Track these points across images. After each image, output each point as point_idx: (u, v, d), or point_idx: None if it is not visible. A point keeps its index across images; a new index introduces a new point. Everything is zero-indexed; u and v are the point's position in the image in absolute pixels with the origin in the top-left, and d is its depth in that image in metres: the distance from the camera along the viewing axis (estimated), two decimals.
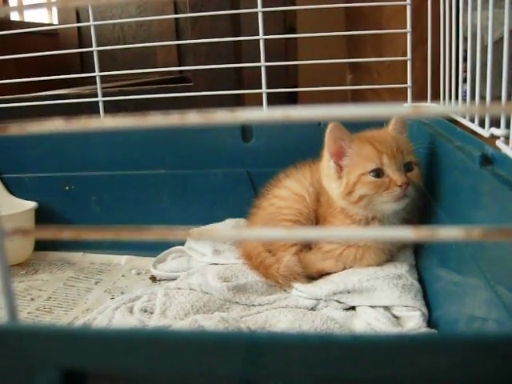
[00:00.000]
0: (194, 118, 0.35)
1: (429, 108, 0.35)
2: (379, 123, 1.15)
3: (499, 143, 0.85)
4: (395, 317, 1.00)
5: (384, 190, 1.05)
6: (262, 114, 0.34)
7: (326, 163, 1.12)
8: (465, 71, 1.09)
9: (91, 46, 1.43)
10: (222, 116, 0.35)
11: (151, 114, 0.36)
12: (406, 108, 0.34)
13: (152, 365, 0.37)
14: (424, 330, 0.93)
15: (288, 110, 0.34)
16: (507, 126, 0.83)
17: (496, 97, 0.90)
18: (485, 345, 0.35)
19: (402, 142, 1.09)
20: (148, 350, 0.38)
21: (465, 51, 1.12)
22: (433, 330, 0.93)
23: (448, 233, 0.33)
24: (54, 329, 0.38)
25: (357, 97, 2.50)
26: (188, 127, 1.31)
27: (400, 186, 1.04)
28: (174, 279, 1.23)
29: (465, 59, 1.13)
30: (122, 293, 1.24)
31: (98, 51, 1.44)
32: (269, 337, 0.39)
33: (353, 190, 1.08)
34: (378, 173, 1.06)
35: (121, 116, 0.36)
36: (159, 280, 1.29)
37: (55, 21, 3.32)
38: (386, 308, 1.01)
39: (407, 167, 1.07)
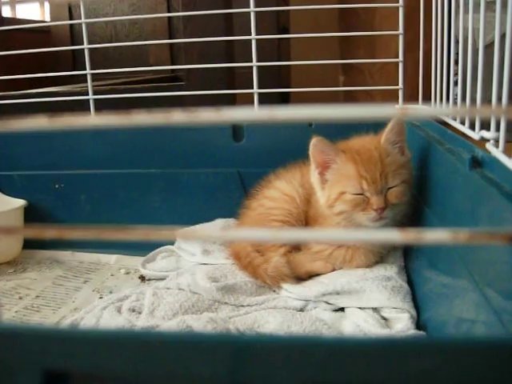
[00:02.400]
0: (178, 116, 0.35)
1: (416, 109, 0.35)
2: (376, 124, 1.14)
3: (489, 146, 0.85)
4: (384, 318, 1.00)
5: (361, 210, 1.06)
6: (247, 113, 0.34)
7: (313, 171, 1.13)
8: (456, 74, 1.09)
9: (83, 43, 1.43)
10: (207, 115, 0.34)
11: (136, 112, 0.36)
12: (394, 109, 0.34)
13: (136, 366, 0.37)
14: (412, 331, 0.93)
15: (273, 110, 0.33)
16: (497, 129, 0.83)
17: (487, 100, 0.90)
18: (471, 349, 0.35)
19: (390, 161, 1.07)
20: (132, 351, 0.37)
21: (456, 54, 1.12)
22: (421, 332, 0.93)
23: (434, 235, 0.33)
24: (34, 329, 0.38)
25: (349, 98, 2.50)
26: (180, 126, 1.30)
27: (376, 210, 1.04)
28: (163, 279, 1.22)
29: (456, 62, 1.13)
30: (111, 292, 1.23)
31: (90, 49, 1.43)
32: (255, 339, 0.39)
33: (333, 204, 1.09)
34: (358, 194, 1.06)
35: (105, 114, 0.36)
36: (148, 279, 1.29)
37: (48, 18, 3.30)
38: (375, 309, 1.01)
39: (390, 187, 1.06)
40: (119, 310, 1.06)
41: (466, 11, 1.00)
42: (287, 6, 2.44)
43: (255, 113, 0.33)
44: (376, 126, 1.13)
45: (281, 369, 0.37)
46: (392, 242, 0.34)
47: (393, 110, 0.33)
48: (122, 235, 0.37)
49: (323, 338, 0.42)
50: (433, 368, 0.35)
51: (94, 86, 1.47)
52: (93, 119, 0.36)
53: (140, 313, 1.05)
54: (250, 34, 1.36)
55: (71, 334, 0.38)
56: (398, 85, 1.39)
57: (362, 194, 1.06)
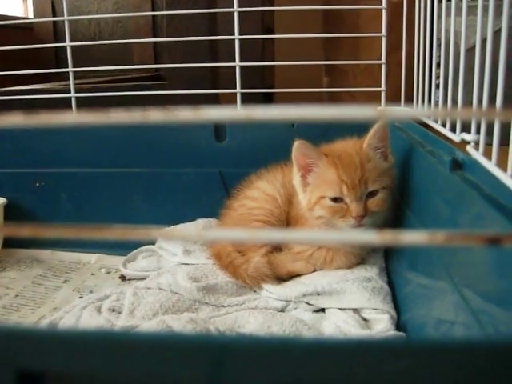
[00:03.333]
0: (156, 115, 0.35)
1: (398, 110, 0.35)
2: (360, 126, 1.13)
3: (469, 148, 0.85)
4: (364, 319, 1.00)
5: (340, 217, 1.06)
6: (225, 113, 0.34)
7: (295, 174, 1.13)
8: (438, 77, 1.09)
9: (66, 41, 1.42)
10: (185, 114, 0.34)
11: (114, 111, 0.35)
12: (374, 110, 0.34)
13: (112, 367, 0.37)
14: (392, 332, 0.94)
15: (251, 110, 0.33)
16: (478, 132, 0.84)
17: (469, 103, 0.91)
18: (449, 350, 0.35)
19: (371, 167, 1.07)
20: (108, 352, 0.37)
21: (438, 57, 1.13)
22: (401, 333, 0.94)
23: (412, 237, 0.33)
24: (8, 329, 0.37)
25: (333, 99, 2.51)
26: (162, 126, 1.30)
27: (355, 217, 1.05)
28: (143, 279, 1.22)
29: (438, 65, 1.14)
30: (91, 292, 1.22)
31: (73, 47, 1.42)
32: (233, 341, 0.39)
33: (313, 208, 1.09)
34: (337, 199, 1.06)
35: (83, 112, 0.36)
36: (129, 279, 1.28)
37: (31, 15, 3.28)
38: (355, 310, 1.01)
39: (370, 193, 1.06)
40: (99, 310, 1.06)
41: (449, 14, 1.00)
42: (272, 6, 2.44)
43: (233, 112, 0.33)
44: (360, 128, 1.12)
45: (259, 370, 0.37)
46: (370, 243, 0.34)
47: (373, 112, 0.33)
48: (99, 234, 0.37)
49: (301, 340, 0.42)
50: (410, 369, 0.35)
51: (76, 84, 1.46)
52: (69, 117, 0.36)
53: (120, 313, 1.04)
54: (234, 34, 1.36)
55: (46, 334, 0.37)
56: (380, 86, 1.39)
57: (341, 200, 1.06)
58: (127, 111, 0.35)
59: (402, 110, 0.34)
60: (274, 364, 0.37)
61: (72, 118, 0.36)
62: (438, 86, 1.09)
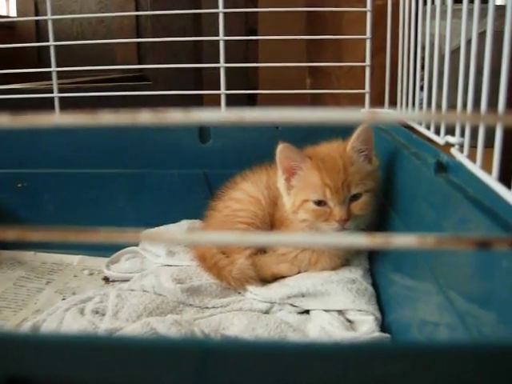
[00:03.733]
0: (146, 117, 0.35)
1: (384, 113, 0.35)
2: (344, 128, 1.13)
3: (454, 151, 0.86)
4: (349, 321, 1.01)
5: (323, 221, 1.06)
6: (216, 115, 0.34)
7: (279, 177, 1.13)
8: (422, 79, 1.10)
9: (49, 40, 1.41)
10: (175, 116, 0.34)
11: (102, 112, 0.35)
12: (363, 113, 0.34)
13: (98, 372, 0.36)
14: (377, 334, 0.94)
15: (242, 112, 0.33)
16: (462, 135, 0.84)
17: (452, 105, 0.91)
18: (437, 353, 0.35)
19: (354, 170, 1.07)
20: (94, 357, 0.37)
21: (422, 59, 1.14)
22: (386, 335, 0.94)
23: (402, 240, 0.33)
24: None
25: (316, 101, 2.51)
26: (146, 126, 1.29)
27: (338, 221, 1.05)
28: (127, 280, 1.21)
29: (422, 67, 1.15)
30: (74, 293, 1.21)
31: (56, 46, 1.41)
32: (219, 344, 0.39)
33: (297, 211, 1.10)
34: (321, 202, 1.06)
35: (71, 113, 0.35)
36: (112, 281, 1.27)
37: (14, 14, 3.25)
38: (340, 312, 1.02)
39: (354, 197, 1.06)
40: (82, 312, 1.05)
41: (433, 17, 1.01)
42: (256, 7, 2.44)
43: (224, 114, 0.33)
44: (346, 130, 1.12)
45: (246, 375, 0.36)
46: (359, 247, 0.34)
47: (362, 115, 0.33)
48: (85, 237, 0.36)
49: (288, 343, 0.42)
50: (400, 373, 0.35)
51: (59, 84, 1.44)
52: (58, 118, 0.36)
53: (103, 315, 1.04)
54: (219, 35, 1.36)
55: (32, 339, 0.37)
56: (364, 88, 1.40)
57: (325, 203, 1.06)
58: (116, 113, 0.35)
59: (390, 113, 0.34)
60: (260, 369, 0.36)
61: (59, 119, 0.35)
62: (421, 88, 1.09)
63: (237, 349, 0.37)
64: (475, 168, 0.75)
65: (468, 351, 0.36)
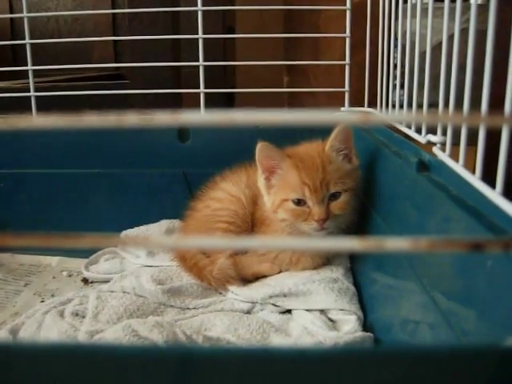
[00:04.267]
0: (132, 120, 0.34)
1: (376, 115, 0.34)
2: (326, 127, 1.12)
3: (436, 150, 0.86)
4: (331, 320, 1.00)
5: (303, 220, 1.06)
6: (203, 117, 0.33)
7: (259, 176, 1.12)
8: (403, 77, 1.10)
9: (24, 38, 1.39)
10: (161, 119, 0.33)
11: (87, 115, 0.34)
12: (355, 115, 0.34)
13: (78, 380, 0.36)
14: (360, 333, 0.94)
15: (230, 114, 0.33)
16: (443, 133, 0.84)
17: (432, 103, 0.91)
18: (427, 358, 0.35)
19: (333, 169, 1.07)
20: (74, 365, 0.36)
21: (403, 57, 1.14)
22: (369, 334, 0.94)
23: (395, 244, 0.33)
24: None
25: (293, 98, 2.51)
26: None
27: (317, 221, 1.05)
28: (106, 281, 1.19)
29: (402, 66, 1.15)
30: (53, 295, 1.20)
31: (32, 44, 1.39)
32: (198, 352, 0.38)
33: (277, 211, 1.09)
34: (300, 201, 1.06)
35: (54, 115, 0.35)
36: (91, 282, 1.26)
37: None
38: (322, 311, 1.01)
39: (333, 196, 1.06)
40: (62, 315, 1.03)
41: (414, 15, 1.01)
42: (233, 5, 2.44)
43: (212, 116, 0.32)
44: (327, 129, 1.11)
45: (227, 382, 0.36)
46: (351, 251, 0.34)
47: (354, 116, 0.33)
48: (69, 243, 0.35)
49: (274, 349, 0.41)
50: (388, 378, 0.35)
51: (34, 83, 1.42)
52: (41, 121, 0.35)
53: (84, 317, 1.02)
54: (197, 33, 1.35)
55: (8, 347, 0.36)
56: (341, 86, 1.40)
57: (304, 203, 1.06)
58: (101, 115, 0.34)
59: (382, 116, 0.34)
60: (248, 376, 0.36)
61: (42, 122, 0.34)
62: (402, 86, 1.09)
63: (217, 357, 0.36)
64: (458, 167, 0.76)
65: (459, 356, 0.36)
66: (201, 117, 0.33)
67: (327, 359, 0.36)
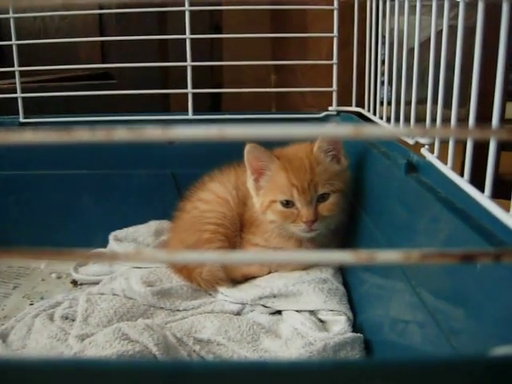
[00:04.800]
0: (122, 133, 0.34)
1: (371, 129, 0.34)
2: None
3: (424, 151, 0.86)
4: (321, 321, 1.01)
5: (291, 222, 1.07)
6: (193, 131, 0.33)
7: (248, 177, 1.13)
8: (389, 75, 1.10)
9: (10, 37, 1.38)
10: (152, 133, 0.33)
11: (76, 129, 0.34)
12: (349, 129, 0.34)
13: None
14: (350, 334, 0.94)
15: (222, 129, 0.33)
16: None
17: (418, 100, 0.92)
18: (422, 370, 0.35)
19: (321, 170, 1.07)
20: (63, 380, 0.36)
21: (390, 55, 1.14)
22: (359, 335, 0.94)
23: (387, 256, 0.33)
24: None
25: (281, 98, 2.51)
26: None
27: (305, 222, 1.05)
28: (96, 283, 1.19)
29: (388, 63, 1.15)
30: (42, 298, 1.19)
31: (18, 44, 1.38)
32: (185, 368, 0.38)
33: (266, 212, 1.10)
34: (289, 202, 1.06)
35: (44, 130, 0.35)
36: (81, 284, 1.25)
37: None
38: (312, 312, 1.02)
39: (322, 197, 1.07)
40: (51, 318, 1.03)
41: (401, 13, 1.01)
42: (220, 4, 2.43)
43: (204, 131, 0.32)
44: None
45: None
46: (343, 263, 0.34)
47: (348, 130, 0.33)
48: (60, 257, 0.35)
49: (265, 364, 0.41)
50: None
51: (21, 83, 1.42)
52: (29, 136, 0.35)
53: (73, 320, 1.02)
54: (184, 33, 1.35)
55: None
56: (329, 84, 1.40)
57: (292, 204, 1.06)
58: (90, 130, 0.34)
59: (378, 129, 0.34)
60: None
61: (32, 136, 0.34)
62: (390, 83, 1.09)
63: (205, 372, 0.36)
64: (446, 169, 0.76)
65: (456, 367, 0.36)
66: (191, 131, 0.33)
67: (315, 372, 0.35)
